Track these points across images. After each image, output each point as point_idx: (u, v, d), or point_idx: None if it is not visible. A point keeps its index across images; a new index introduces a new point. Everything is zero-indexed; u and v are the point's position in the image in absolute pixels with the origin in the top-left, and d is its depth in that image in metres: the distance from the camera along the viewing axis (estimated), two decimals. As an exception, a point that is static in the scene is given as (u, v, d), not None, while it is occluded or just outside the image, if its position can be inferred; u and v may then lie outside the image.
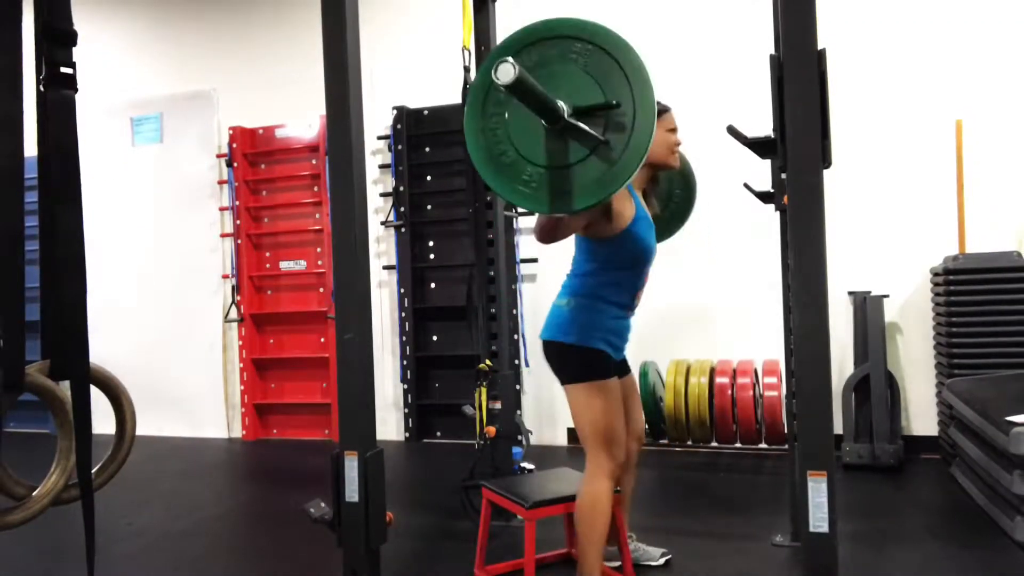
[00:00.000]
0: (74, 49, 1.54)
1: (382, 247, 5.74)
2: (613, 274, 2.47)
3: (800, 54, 1.85)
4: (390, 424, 5.62)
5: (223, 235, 6.06)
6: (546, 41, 2.00)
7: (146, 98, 6.25)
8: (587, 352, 2.43)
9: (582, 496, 2.44)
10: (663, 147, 2.59)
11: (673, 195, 3.03)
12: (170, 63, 6.24)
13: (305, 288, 5.98)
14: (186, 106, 6.16)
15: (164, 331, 6.13)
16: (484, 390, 3.61)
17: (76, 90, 1.53)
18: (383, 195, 5.70)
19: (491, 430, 3.50)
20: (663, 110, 2.57)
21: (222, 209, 6.08)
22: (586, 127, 1.93)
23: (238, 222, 5.96)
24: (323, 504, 2.45)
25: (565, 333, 2.45)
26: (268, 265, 6.05)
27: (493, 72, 1.74)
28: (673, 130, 2.65)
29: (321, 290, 5.92)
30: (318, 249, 5.91)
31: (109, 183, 6.18)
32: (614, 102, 1.92)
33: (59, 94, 1.51)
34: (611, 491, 2.42)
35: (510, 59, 1.73)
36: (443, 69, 5.26)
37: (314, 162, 5.89)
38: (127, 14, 6.35)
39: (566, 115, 1.92)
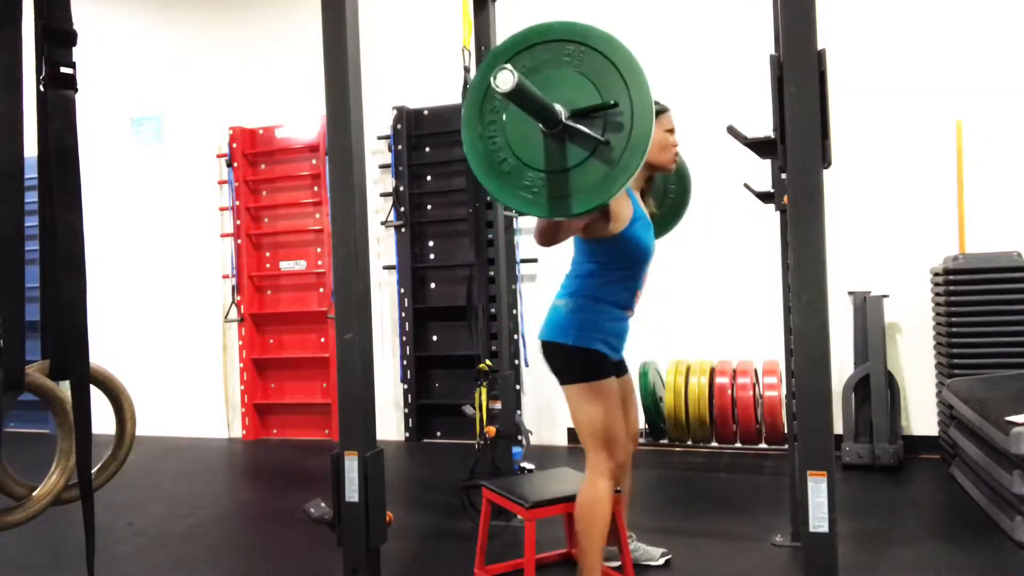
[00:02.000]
0: (74, 49, 1.54)
1: (382, 247, 5.74)
2: (612, 274, 2.47)
3: (800, 54, 1.85)
4: (390, 424, 5.62)
5: (223, 235, 6.06)
6: (539, 45, 2.00)
7: (146, 98, 6.25)
8: (585, 353, 2.43)
9: (582, 496, 2.44)
10: (661, 147, 2.58)
11: (668, 192, 3.02)
12: (171, 63, 6.25)
13: (305, 288, 5.98)
14: (187, 106, 6.16)
15: (164, 331, 6.13)
16: (484, 390, 3.60)
17: (76, 90, 1.53)
18: (383, 195, 5.70)
19: (491, 430, 3.50)
20: (661, 110, 2.56)
21: (222, 209, 6.08)
22: (585, 129, 1.92)
23: (238, 222, 5.97)
24: (323, 504, 2.46)
25: (563, 334, 2.45)
26: (268, 265, 6.05)
27: (492, 79, 1.74)
28: (671, 131, 2.64)
29: (321, 290, 5.92)
30: (318, 249, 5.91)
31: (109, 183, 6.19)
32: (611, 102, 1.91)
33: (59, 94, 1.51)
34: (611, 491, 2.43)
35: (508, 66, 1.72)
36: (443, 69, 5.26)
37: (314, 162, 5.89)
38: (128, 14, 6.35)
39: (564, 118, 1.92)
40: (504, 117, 2.01)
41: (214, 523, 3.82)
